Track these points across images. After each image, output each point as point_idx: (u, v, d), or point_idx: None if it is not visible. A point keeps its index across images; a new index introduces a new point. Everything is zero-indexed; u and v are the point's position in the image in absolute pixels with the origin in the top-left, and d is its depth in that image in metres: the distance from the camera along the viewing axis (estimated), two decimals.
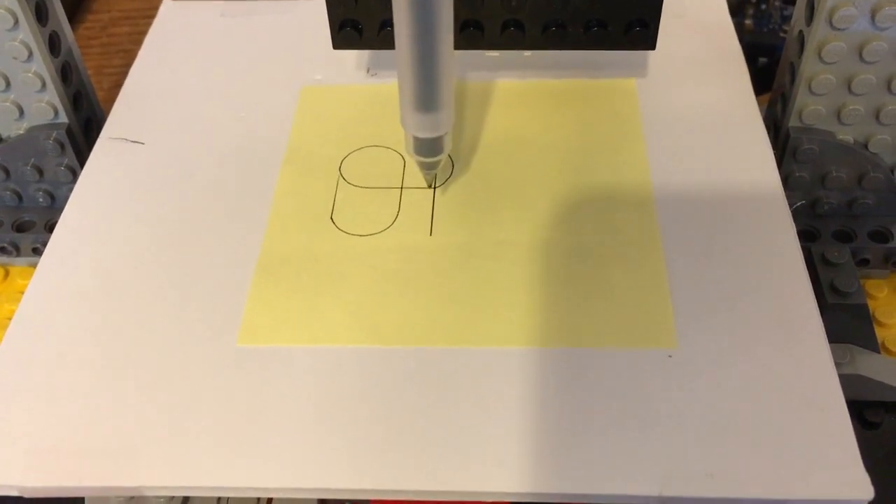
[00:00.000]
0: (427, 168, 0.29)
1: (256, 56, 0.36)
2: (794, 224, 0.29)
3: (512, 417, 0.24)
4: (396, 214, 0.30)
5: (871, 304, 0.32)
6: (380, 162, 0.32)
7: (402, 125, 0.27)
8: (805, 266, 0.27)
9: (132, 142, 0.33)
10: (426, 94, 0.26)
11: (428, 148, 0.28)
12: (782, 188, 0.30)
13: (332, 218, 0.30)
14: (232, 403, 0.25)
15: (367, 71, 0.35)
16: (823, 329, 0.26)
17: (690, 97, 0.33)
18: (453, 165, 0.31)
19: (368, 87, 0.35)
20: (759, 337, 0.26)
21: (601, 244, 0.28)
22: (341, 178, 0.31)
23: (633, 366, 0.25)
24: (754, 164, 0.30)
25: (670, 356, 0.25)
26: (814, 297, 0.27)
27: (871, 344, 0.30)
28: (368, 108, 0.34)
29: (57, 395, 0.25)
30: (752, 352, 0.25)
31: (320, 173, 0.31)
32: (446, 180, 0.31)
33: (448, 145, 0.28)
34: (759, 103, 0.33)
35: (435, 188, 0.30)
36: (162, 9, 0.39)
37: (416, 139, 0.27)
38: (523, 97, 0.33)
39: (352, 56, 0.36)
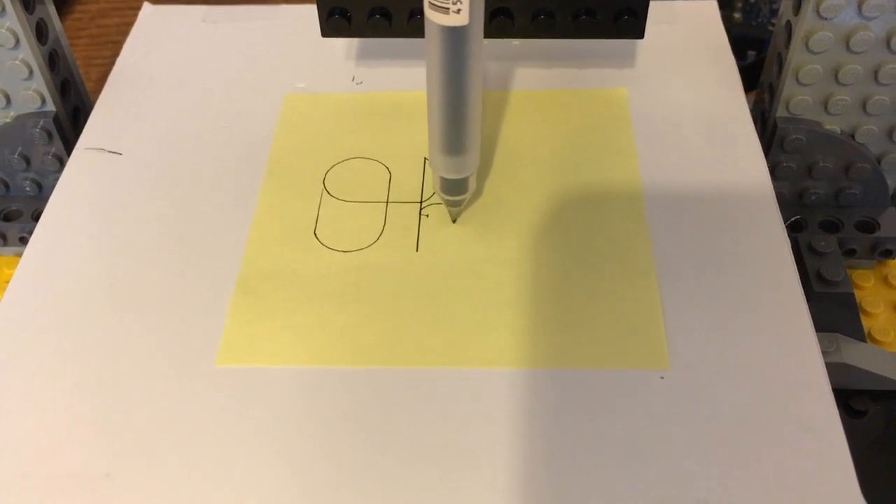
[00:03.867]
0: (452, 205, 0.29)
1: (238, 63, 0.35)
2: (784, 226, 0.28)
3: (499, 441, 0.23)
4: (382, 229, 0.29)
5: (857, 293, 0.32)
6: (365, 174, 0.31)
7: (431, 166, 0.28)
8: (797, 273, 0.27)
9: (110, 152, 0.32)
10: (454, 138, 0.26)
11: (454, 187, 0.28)
12: (772, 187, 0.29)
13: (315, 233, 0.29)
14: (210, 427, 0.24)
15: (353, 79, 0.34)
16: (818, 347, 0.25)
17: (678, 90, 0.33)
18: None
19: (353, 95, 0.34)
20: (752, 355, 0.25)
21: (592, 260, 0.28)
22: (325, 192, 0.30)
23: (624, 387, 0.25)
24: (744, 162, 0.30)
25: (662, 378, 0.25)
26: (807, 308, 0.26)
27: (857, 333, 0.30)
28: (353, 117, 0.33)
29: (27, 418, 0.24)
30: (744, 371, 0.25)
31: (303, 186, 0.30)
32: (433, 195, 0.30)
33: (473, 185, 0.28)
34: (749, 99, 0.33)
35: (422, 202, 0.30)
36: (141, 14, 0.38)
37: (443, 179, 0.28)
38: (512, 109, 0.33)
39: (336, 64, 0.35)
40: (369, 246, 0.29)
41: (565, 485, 0.23)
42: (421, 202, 0.30)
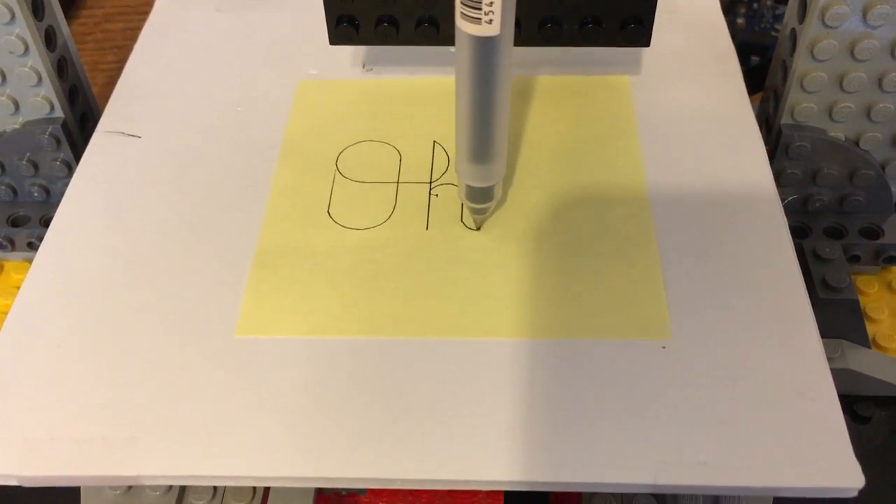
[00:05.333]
0: (477, 213, 0.29)
1: (252, 50, 0.36)
2: (786, 220, 0.29)
3: (507, 407, 0.24)
4: (393, 209, 0.30)
5: (861, 299, 0.32)
6: (376, 156, 0.32)
7: (457, 173, 0.28)
8: (797, 261, 0.28)
9: (129, 135, 0.33)
10: (481, 147, 0.26)
11: (480, 195, 0.28)
12: (775, 185, 0.30)
13: (328, 212, 0.30)
14: (229, 393, 0.25)
15: (363, 66, 0.35)
16: (814, 320, 0.26)
17: (684, 95, 0.33)
18: (449, 161, 0.31)
19: (364, 81, 0.35)
20: (752, 329, 0.26)
21: (596, 238, 0.28)
22: (338, 173, 0.31)
23: (627, 357, 0.25)
24: (747, 161, 0.31)
25: (664, 347, 0.26)
26: (805, 290, 0.27)
27: (861, 339, 0.30)
28: (364, 102, 0.34)
29: (55, 385, 0.25)
30: (744, 343, 0.26)
31: (317, 168, 0.31)
32: (442, 175, 0.31)
33: (498, 193, 0.28)
34: (753, 103, 0.33)
35: (431, 183, 0.31)
36: (157, 3, 0.39)
37: (469, 187, 0.28)
38: (518, 94, 0.34)
39: (347, 51, 0.36)
40: (381, 224, 0.29)
41: (569, 449, 0.23)
42: (430, 182, 0.31)
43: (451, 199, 0.30)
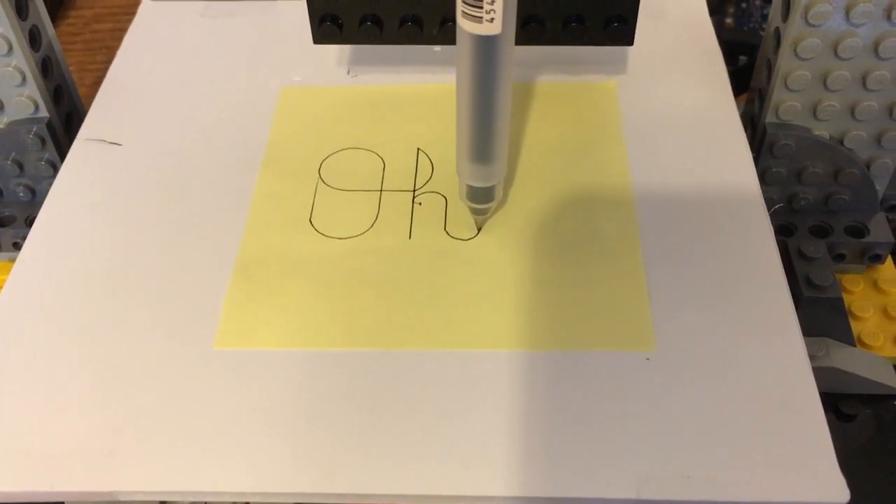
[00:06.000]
0: (478, 213, 0.29)
1: (236, 57, 0.36)
2: (771, 225, 0.29)
3: (489, 420, 0.24)
4: (376, 217, 0.30)
5: (847, 298, 0.32)
6: (359, 164, 0.31)
7: (458, 173, 0.28)
8: (782, 268, 0.28)
9: (110, 143, 0.32)
10: (482, 146, 0.26)
11: (481, 196, 0.28)
12: (760, 188, 0.30)
13: (310, 220, 0.30)
14: (209, 407, 0.25)
15: (348, 72, 0.35)
16: (800, 332, 0.26)
17: (670, 95, 0.33)
18: (433, 169, 0.31)
19: (348, 88, 0.34)
20: (736, 339, 0.26)
21: (581, 247, 0.28)
22: (320, 181, 0.31)
23: (611, 368, 0.25)
24: (732, 163, 0.31)
25: (648, 359, 0.25)
26: (790, 298, 0.27)
27: (846, 337, 0.30)
28: (348, 109, 0.34)
29: (31, 398, 0.25)
30: (728, 354, 0.25)
31: (299, 175, 0.31)
32: (426, 183, 0.31)
33: (499, 193, 0.28)
34: (740, 103, 0.33)
35: (415, 191, 0.30)
36: (141, 8, 0.39)
37: (470, 187, 0.28)
38: None
39: (331, 57, 0.36)
40: (363, 233, 0.29)
41: (552, 462, 0.23)
42: (414, 191, 0.30)
43: (434, 207, 0.30)
